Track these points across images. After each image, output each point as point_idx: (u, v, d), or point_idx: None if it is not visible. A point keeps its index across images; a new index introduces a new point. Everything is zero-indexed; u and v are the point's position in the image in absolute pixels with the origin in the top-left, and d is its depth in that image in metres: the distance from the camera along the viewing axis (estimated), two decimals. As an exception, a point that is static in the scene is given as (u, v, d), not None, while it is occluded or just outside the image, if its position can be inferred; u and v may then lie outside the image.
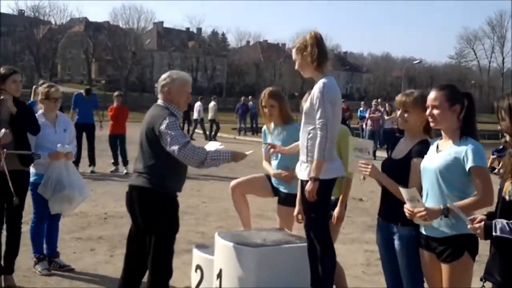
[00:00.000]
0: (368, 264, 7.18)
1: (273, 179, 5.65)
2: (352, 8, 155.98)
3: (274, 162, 5.55)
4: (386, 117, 21.05)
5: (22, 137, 5.63)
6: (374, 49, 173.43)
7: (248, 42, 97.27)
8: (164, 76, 4.83)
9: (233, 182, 5.67)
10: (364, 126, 22.61)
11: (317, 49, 4.53)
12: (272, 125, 5.57)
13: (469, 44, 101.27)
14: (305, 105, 4.63)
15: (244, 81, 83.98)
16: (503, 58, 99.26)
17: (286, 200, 5.47)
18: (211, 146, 4.82)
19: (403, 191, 3.78)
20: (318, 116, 4.44)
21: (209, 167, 4.73)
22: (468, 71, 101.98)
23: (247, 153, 4.75)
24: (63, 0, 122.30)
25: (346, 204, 5.21)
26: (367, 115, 21.45)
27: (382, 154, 19.83)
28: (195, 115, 26.30)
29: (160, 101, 4.73)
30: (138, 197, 4.63)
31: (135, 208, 4.66)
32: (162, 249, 4.63)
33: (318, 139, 4.42)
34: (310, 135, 4.55)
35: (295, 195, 5.08)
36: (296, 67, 4.65)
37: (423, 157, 3.96)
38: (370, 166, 4.15)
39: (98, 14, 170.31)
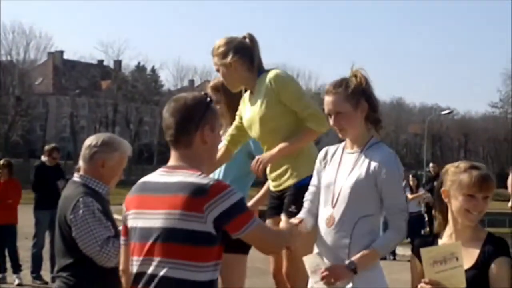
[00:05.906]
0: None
1: None
2: (334, 39, 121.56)
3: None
4: (409, 196, 15.28)
5: None
6: (380, 93, 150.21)
7: (192, 81, 70.96)
8: (96, 139, 3.94)
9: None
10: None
11: None
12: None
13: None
14: (345, 186, 3.49)
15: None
16: None
17: None
18: None
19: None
20: (396, 202, 3.48)
21: None
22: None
23: None
24: None
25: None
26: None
27: (406, 252, 13.31)
28: None
29: (76, 176, 3.90)
30: None
31: None
32: None
33: (394, 233, 3.50)
34: (365, 229, 3.45)
35: None
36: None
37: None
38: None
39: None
